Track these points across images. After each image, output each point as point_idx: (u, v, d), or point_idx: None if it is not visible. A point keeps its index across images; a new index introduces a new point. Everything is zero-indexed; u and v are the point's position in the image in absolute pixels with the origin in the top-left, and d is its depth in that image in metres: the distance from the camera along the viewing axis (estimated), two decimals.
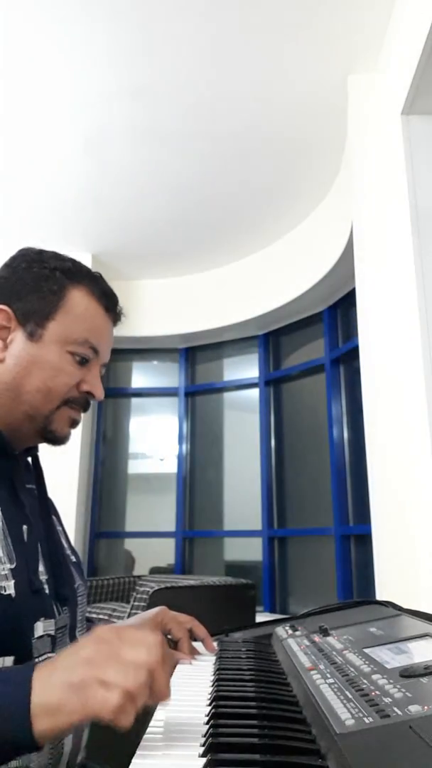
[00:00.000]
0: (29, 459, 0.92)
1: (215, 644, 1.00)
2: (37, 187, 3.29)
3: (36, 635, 0.74)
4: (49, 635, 0.77)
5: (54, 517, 0.93)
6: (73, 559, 0.94)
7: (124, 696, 0.52)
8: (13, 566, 0.74)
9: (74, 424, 0.88)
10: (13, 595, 0.72)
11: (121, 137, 2.89)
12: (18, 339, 0.83)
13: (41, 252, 0.89)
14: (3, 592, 0.71)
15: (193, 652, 0.97)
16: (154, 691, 0.55)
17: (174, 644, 0.98)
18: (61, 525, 0.96)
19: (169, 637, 0.99)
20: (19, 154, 3.02)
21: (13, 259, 0.89)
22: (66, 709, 0.52)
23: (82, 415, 0.90)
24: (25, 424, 0.84)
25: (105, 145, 2.95)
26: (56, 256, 0.90)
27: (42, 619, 0.76)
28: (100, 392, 0.87)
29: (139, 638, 0.58)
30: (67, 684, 0.53)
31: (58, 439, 0.87)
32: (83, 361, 0.85)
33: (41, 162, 3.07)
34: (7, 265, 0.89)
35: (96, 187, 3.31)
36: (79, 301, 0.86)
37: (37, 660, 0.74)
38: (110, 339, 0.91)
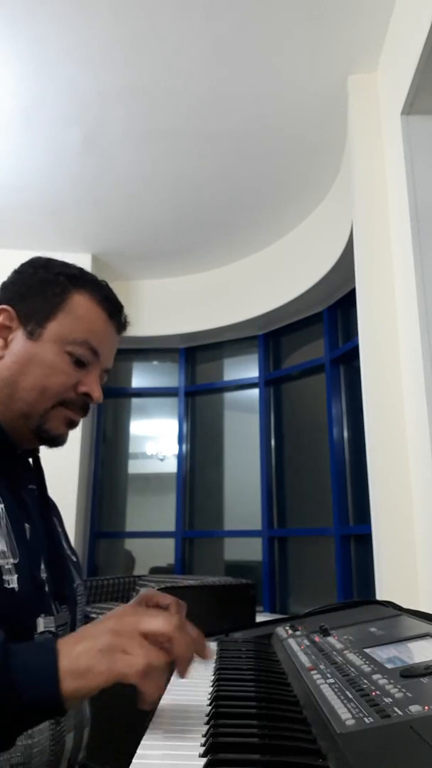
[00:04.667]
0: (30, 460, 0.92)
1: (214, 645, 0.99)
2: (36, 187, 3.29)
3: (38, 631, 0.76)
4: (50, 632, 0.78)
5: (55, 519, 0.94)
6: (74, 559, 0.95)
7: (148, 664, 0.56)
8: (16, 561, 0.75)
9: (71, 424, 0.88)
10: (17, 589, 0.73)
11: (120, 137, 2.89)
12: (18, 338, 0.85)
13: (50, 260, 0.92)
14: (7, 585, 0.72)
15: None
16: (177, 654, 0.59)
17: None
18: (62, 526, 0.97)
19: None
20: (19, 154, 3.01)
21: (22, 265, 0.92)
22: (94, 671, 0.56)
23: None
24: (21, 423, 0.84)
25: (104, 145, 2.95)
26: (64, 264, 0.92)
27: (43, 615, 0.77)
28: (97, 394, 0.87)
29: (156, 611, 0.66)
30: (95, 649, 0.57)
31: (53, 439, 0.87)
32: (81, 363, 0.86)
33: (40, 162, 3.07)
34: (16, 272, 0.91)
35: (95, 187, 3.30)
36: (80, 303, 0.87)
37: None
38: (112, 345, 0.91)
